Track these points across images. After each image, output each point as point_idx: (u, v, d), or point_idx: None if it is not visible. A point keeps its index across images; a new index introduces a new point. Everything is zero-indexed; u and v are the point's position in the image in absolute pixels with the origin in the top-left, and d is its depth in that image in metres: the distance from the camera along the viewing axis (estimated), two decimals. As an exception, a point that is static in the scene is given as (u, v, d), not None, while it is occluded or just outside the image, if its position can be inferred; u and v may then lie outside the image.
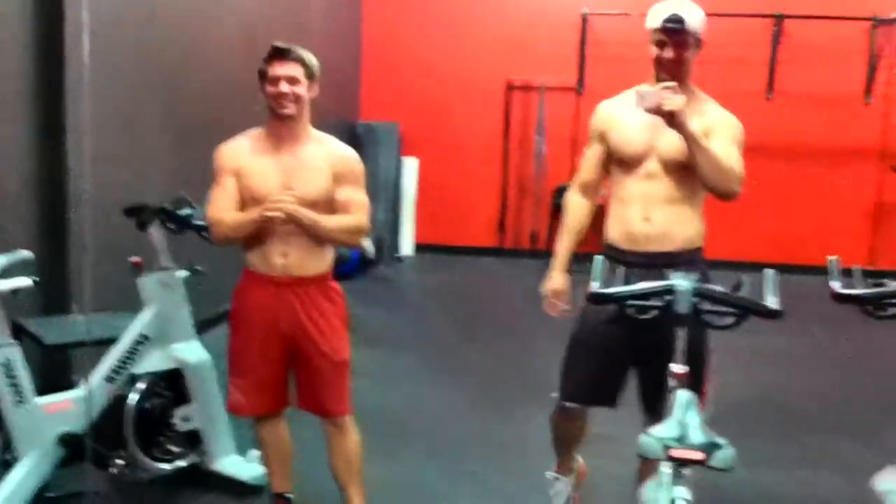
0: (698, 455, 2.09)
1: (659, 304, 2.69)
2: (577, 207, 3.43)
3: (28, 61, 4.51)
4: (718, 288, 2.65)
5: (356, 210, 3.29)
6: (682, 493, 2.07)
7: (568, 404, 3.39)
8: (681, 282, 2.60)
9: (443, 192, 9.41)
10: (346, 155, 3.33)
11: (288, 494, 3.56)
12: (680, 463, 2.12)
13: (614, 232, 3.28)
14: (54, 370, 4.25)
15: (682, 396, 2.31)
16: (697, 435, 2.15)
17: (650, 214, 3.17)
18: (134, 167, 5.33)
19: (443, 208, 9.42)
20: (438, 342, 6.41)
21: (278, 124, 3.26)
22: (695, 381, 3.10)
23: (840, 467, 4.31)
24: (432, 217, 9.35)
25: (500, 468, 4.26)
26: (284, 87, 3.17)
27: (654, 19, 3.10)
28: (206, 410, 3.87)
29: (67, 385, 4.16)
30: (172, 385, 3.81)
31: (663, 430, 2.19)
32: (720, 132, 3.12)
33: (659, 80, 3.11)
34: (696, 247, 3.24)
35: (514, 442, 4.56)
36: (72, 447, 3.52)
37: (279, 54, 3.21)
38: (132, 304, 4.38)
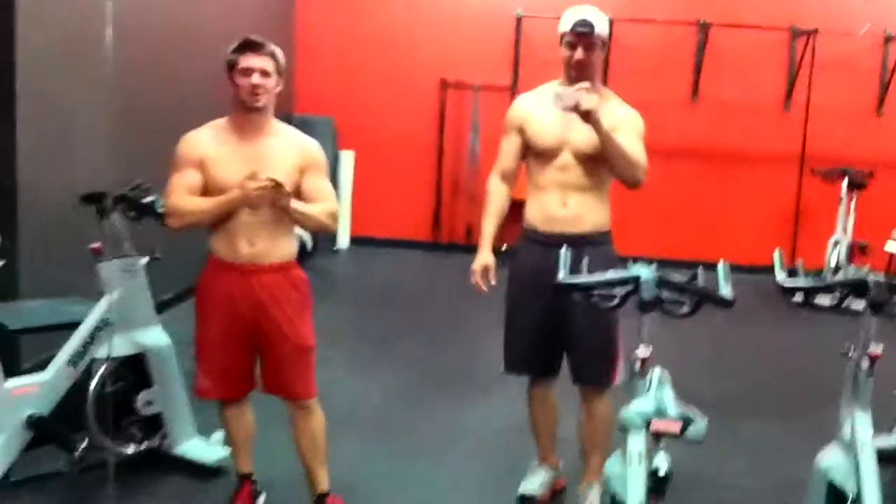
0: (675, 427, 2.27)
1: (622, 292, 2.88)
2: (497, 192, 3.74)
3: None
4: (679, 277, 2.84)
5: (326, 198, 3.39)
6: (664, 460, 2.25)
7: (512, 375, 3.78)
8: (645, 271, 2.79)
9: (378, 186, 9.47)
10: (310, 146, 3.42)
11: (253, 475, 3.64)
12: (657, 435, 2.29)
13: (533, 215, 3.63)
14: (4, 355, 4.25)
15: (655, 374, 2.49)
16: (673, 409, 2.34)
17: (567, 200, 3.52)
18: (76, 153, 5.32)
19: (378, 202, 9.49)
20: (377, 332, 6.53)
21: (243, 116, 3.31)
22: (608, 357, 3.55)
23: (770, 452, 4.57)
24: (368, 210, 9.41)
25: (446, 451, 4.41)
26: (257, 78, 3.23)
27: (566, 23, 3.44)
28: (168, 394, 3.93)
29: (18, 370, 4.17)
30: (134, 369, 3.84)
31: (642, 405, 2.36)
32: (626, 127, 3.47)
33: (569, 78, 3.44)
34: (606, 230, 3.62)
35: (459, 426, 4.72)
36: (38, 430, 3.54)
37: (252, 47, 3.26)
38: (80, 290, 4.43)
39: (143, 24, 6.08)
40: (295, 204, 3.25)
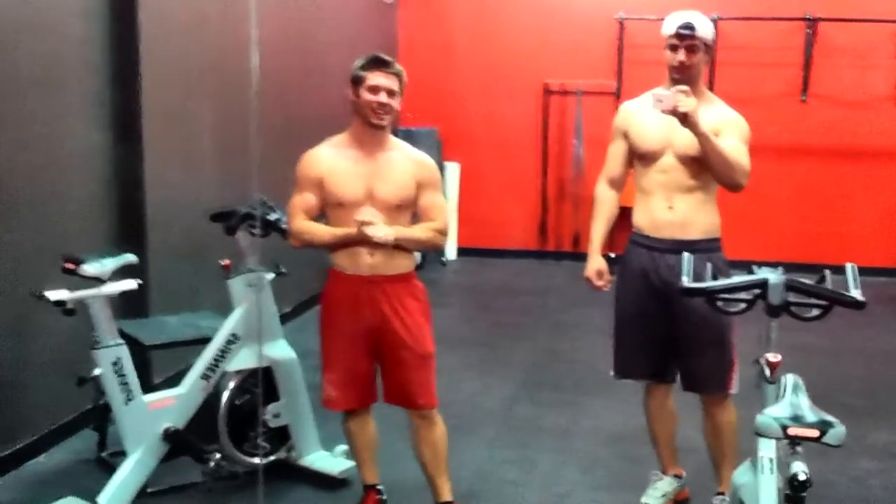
0: (814, 432, 2.25)
1: (748, 297, 2.85)
2: (605, 198, 3.76)
3: (105, 76, 4.70)
4: (808, 281, 2.80)
5: (438, 214, 3.47)
6: (802, 466, 2.22)
7: (623, 380, 3.79)
8: (773, 275, 2.75)
9: (484, 196, 9.53)
10: (427, 162, 3.48)
11: (378, 485, 3.71)
12: (795, 441, 2.26)
13: (641, 219, 3.64)
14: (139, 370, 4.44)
15: (790, 380, 2.47)
16: (810, 414, 2.31)
17: (673, 203, 3.51)
18: (195, 171, 5.51)
19: (484, 212, 9.54)
20: (490, 340, 6.58)
21: (364, 130, 3.38)
22: (724, 364, 3.49)
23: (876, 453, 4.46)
24: (474, 221, 9.47)
25: (562, 453, 4.43)
26: (384, 97, 3.30)
27: (669, 27, 3.45)
28: (294, 407, 4.03)
29: (150, 384, 4.35)
30: (262, 382, 3.95)
31: (778, 411, 2.34)
32: (729, 131, 3.44)
33: (672, 81, 3.44)
34: (715, 237, 3.58)
35: (577, 433, 4.71)
36: (174, 442, 3.68)
37: (382, 65, 3.33)
38: (206, 305, 4.59)
39: (268, 43, 6.26)
40: (403, 234, 3.34)
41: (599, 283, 3.70)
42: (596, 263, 3.69)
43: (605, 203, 3.74)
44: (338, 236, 3.36)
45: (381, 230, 3.25)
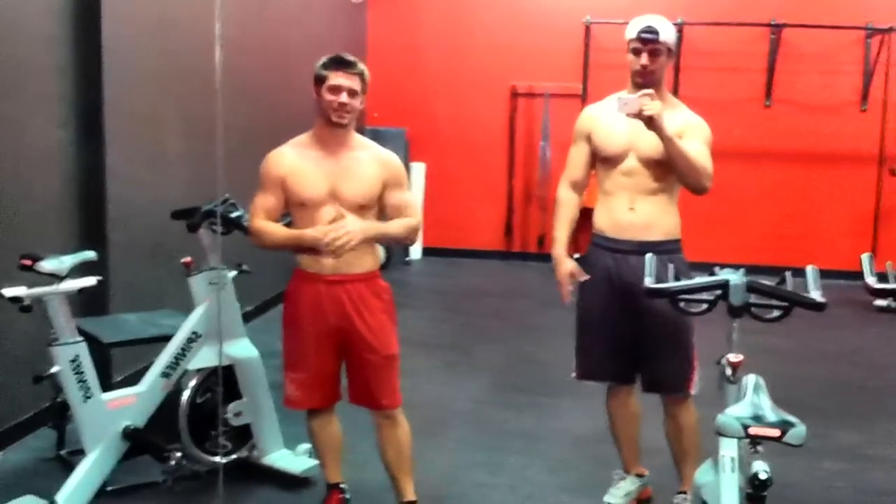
0: (775, 432, 2.26)
1: (710, 298, 2.87)
2: (567, 200, 3.75)
3: (68, 75, 4.64)
4: (769, 283, 2.82)
5: (410, 212, 3.47)
6: (763, 466, 2.24)
7: (585, 381, 3.78)
8: (734, 276, 2.77)
9: (450, 197, 9.55)
10: (392, 161, 3.47)
11: (342, 484, 3.69)
12: (756, 440, 2.28)
13: (602, 221, 3.65)
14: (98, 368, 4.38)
15: (751, 380, 2.48)
16: (771, 414, 2.32)
17: (635, 205, 3.53)
18: (158, 169, 5.46)
19: (450, 213, 9.57)
20: (454, 341, 6.59)
21: (326, 130, 3.37)
22: (684, 365, 3.52)
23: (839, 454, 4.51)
24: (440, 221, 9.47)
25: (529, 455, 4.43)
26: (345, 97, 3.29)
27: (632, 31, 3.48)
28: (256, 405, 4.00)
29: (110, 382, 4.30)
30: (223, 381, 3.92)
31: (739, 410, 2.35)
32: (692, 134, 3.48)
33: (635, 85, 3.47)
34: (676, 238, 3.60)
35: (541, 434, 4.72)
36: (133, 441, 3.64)
37: (343, 65, 3.31)
38: (168, 303, 4.54)
39: (234, 43, 6.21)
40: (372, 230, 3.33)
41: (572, 287, 3.68)
42: (566, 266, 3.68)
43: (568, 206, 3.73)
44: (293, 238, 3.34)
45: (343, 238, 3.20)
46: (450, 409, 5.06)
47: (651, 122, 3.28)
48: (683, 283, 2.89)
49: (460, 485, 4.07)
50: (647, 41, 3.41)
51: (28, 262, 3.38)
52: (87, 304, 4.46)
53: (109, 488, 3.70)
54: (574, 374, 3.79)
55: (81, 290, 3.49)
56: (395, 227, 3.42)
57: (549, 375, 5.54)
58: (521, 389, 5.47)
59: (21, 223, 4.27)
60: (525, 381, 5.65)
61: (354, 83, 3.30)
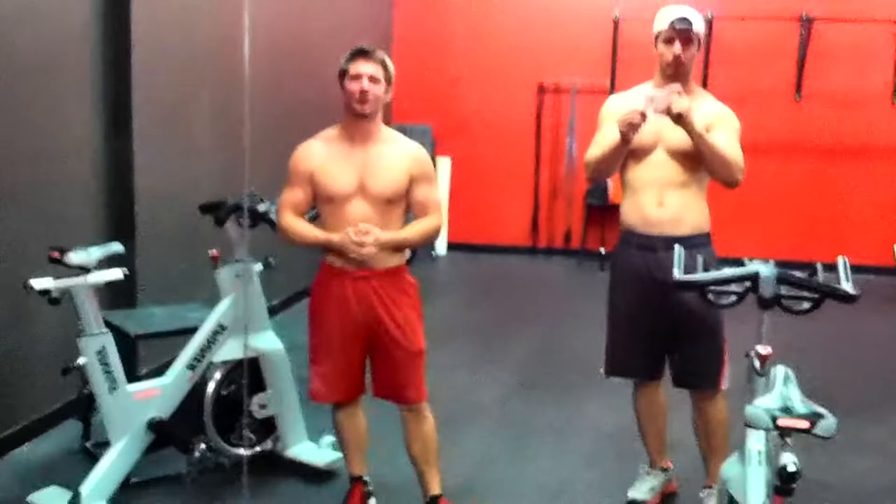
0: (805, 424, 2.22)
1: (739, 290, 2.83)
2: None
3: (98, 66, 4.66)
4: (799, 274, 2.78)
5: (433, 209, 3.45)
6: (792, 458, 2.20)
7: (614, 378, 3.77)
8: (765, 268, 2.73)
9: (476, 193, 9.52)
10: (420, 155, 3.45)
11: (365, 477, 3.68)
12: (785, 432, 2.24)
13: (631, 217, 3.57)
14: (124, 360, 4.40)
15: (780, 371, 2.44)
16: (801, 406, 2.28)
17: (663, 199, 3.47)
18: (186, 162, 5.47)
19: (476, 208, 9.53)
20: (480, 335, 6.56)
21: (353, 123, 3.36)
22: (715, 360, 3.46)
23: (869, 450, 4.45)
24: (466, 216, 9.46)
25: (555, 449, 4.40)
26: (365, 83, 3.27)
27: (663, 21, 3.42)
28: (281, 398, 4.00)
29: (136, 374, 4.32)
30: (249, 373, 3.92)
31: (768, 402, 2.32)
32: (720, 125, 3.42)
33: (665, 77, 3.42)
34: (706, 231, 3.54)
35: (568, 429, 4.69)
36: (158, 433, 3.65)
37: (363, 54, 3.30)
38: (194, 296, 4.55)
39: (262, 36, 6.22)
40: (394, 239, 3.34)
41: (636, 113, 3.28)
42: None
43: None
44: (320, 240, 3.35)
45: (362, 250, 3.24)
46: (476, 404, 5.03)
47: (680, 119, 3.23)
48: (713, 274, 2.85)
49: (485, 479, 4.04)
50: (681, 31, 3.37)
51: (56, 255, 3.40)
52: (116, 296, 4.50)
53: (133, 480, 3.72)
54: (602, 370, 3.76)
55: (109, 283, 3.50)
56: (413, 232, 3.41)
57: (575, 370, 5.53)
58: (547, 384, 5.44)
59: (50, 216, 4.31)
60: (551, 376, 5.61)
61: (375, 70, 3.29)
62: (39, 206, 4.24)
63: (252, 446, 3.97)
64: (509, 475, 4.11)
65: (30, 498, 3.55)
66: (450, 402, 4.76)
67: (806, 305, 2.79)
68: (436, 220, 3.45)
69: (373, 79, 3.29)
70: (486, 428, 4.68)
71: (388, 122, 8.22)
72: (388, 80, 3.35)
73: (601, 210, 8.84)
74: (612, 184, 8.15)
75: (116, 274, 3.49)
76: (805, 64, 8.84)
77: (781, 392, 2.35)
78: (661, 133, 3.43)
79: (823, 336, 6.15)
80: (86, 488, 3.42)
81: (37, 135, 4.23)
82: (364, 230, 3.24)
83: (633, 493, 3.77)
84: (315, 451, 4.05)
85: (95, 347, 3.45)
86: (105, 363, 3.47)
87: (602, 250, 8.04)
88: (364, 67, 3.28)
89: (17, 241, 4.06)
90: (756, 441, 2.50)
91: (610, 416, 4.71)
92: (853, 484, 4.08)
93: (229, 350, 3.88)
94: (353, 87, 3.28)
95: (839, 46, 8.76)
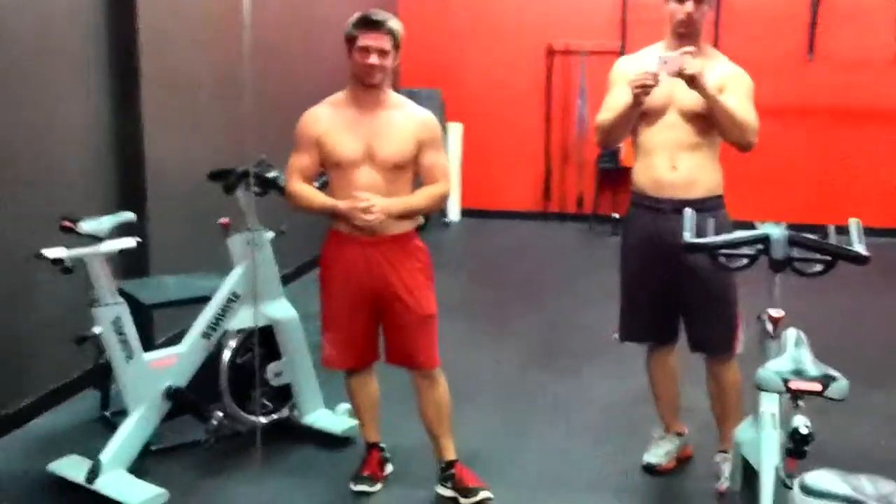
0: (816, 386, 2.23)
1: (751, 253, 2.83)
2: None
3: (104, 39, 4.65)
4: (811, 236, 2.77)
5: (440, 175, 3.44)
6: (804, 420, 2.20)
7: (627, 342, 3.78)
8: (776, 230, 2.72)
9: (487, 158, 9.48)
10: (428, 120, 3.43)
11: (381, 444, 3.71)
12: (797, 395, 2.24)
13: (643, 180, 3.54)
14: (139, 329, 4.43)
15: (792, 334, 2.45)
16: (813, 368, 2.29)
17: (676, 162, 3.43)
18: (194, 132, 5.46)
19: (487, 173, 9.50)
20: (493, 302, 6.57)
21: (361, 91, 3.35)
22: (729, 324, 3.45)
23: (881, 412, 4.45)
24: (477, 182, 9.44)
25: (568, 421, 4.39)
26: (374, 59, 3.25)
27: None
28: (296, 365, 4.02)
29: (152, 344, 4.34)
30: (263, 342, 3.94)
31: (780, 365, 2.32)
32: (733, 86, 3.38)
33: (676, 36, 3.38)
34: (718, 194, 3.51)
35: (580, 395, 4.70)
36: (176, 401, 3.68)
37: (373, 25, 3.26)
38: (206, 265, 4.57)
39: (270, 4, 6.21)
40: (400, 207, 3.32)
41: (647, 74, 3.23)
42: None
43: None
44: (326, 207, 3.35)
45: (368, 216, 3.23)
46: (486, 373, 5.03)
47: (693, 82, 3.20)
48: (723, 237, 2.84)
49: (494, 450, 4.03)
50: None
51: (68, 224, 3.41)
52: (128, 266, 4.52)
53: (153, 447, 3.77)
54: (615, 336, 3.77)
55: (122, 252, 3.51)
56: (420, 199, 3.40)
57: (587, 339, 5.52)
58: (557, 353, 5.43)
59: (61, 187, 4.33)
60: (562, 345, 5.60)
61: (384, 43, 3.26)
62: (51, 180, 4.25)
63: (268, 414, 4.00)
64: (518, 445, 4.10)
65: (50, 466, 3.59)
66: (459, 372, 4.72)
67: (818, 268, 2.79)
68: (443, 187, 3.44)
69: (382, 52, 3.26)
70: (495, 398, 4.68)
71: (395, 88, 8.19)
72: (396, 47, 3.32)
73: (613, 173, 8.78)
74: (623, 147, 8.11)
75: (129, 242, 3.50)
76: (817, 22, 8.73)
77: (793, 355, 2.35)
78: (674, 95, 3.40)
79: (835, 298, 6.12)
80: (105, 456, 3.46)
81: (43, 107, 4.23)
82: (365, 199, 3.23)
83: (648, 458, 3.78)
84: (331, 418, 4.08)
85: (110, 317, 3.47)
86: (121, 332, 3.50)
87: (615, 215, 8.00)
88: (373, 41, 3.24)
89: (28, 214, 4.07)
90: (769, 404, 2.52)
91: (620, 384, 4.69)
92: (865, 447, 4.06)
93: (244, 318, 3.90)
94: (361, 59, 3.26)
95: (851, 5, 8.64)
